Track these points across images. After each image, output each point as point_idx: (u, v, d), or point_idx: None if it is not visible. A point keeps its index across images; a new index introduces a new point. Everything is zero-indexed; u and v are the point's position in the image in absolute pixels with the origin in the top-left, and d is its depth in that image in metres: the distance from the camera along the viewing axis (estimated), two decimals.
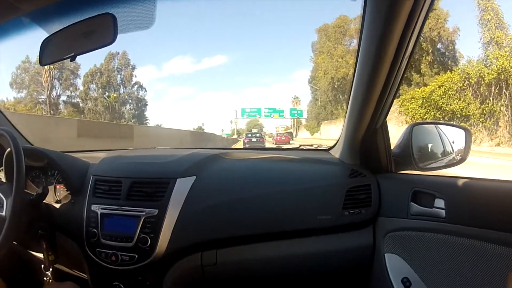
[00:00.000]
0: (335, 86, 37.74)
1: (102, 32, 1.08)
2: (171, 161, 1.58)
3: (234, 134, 42.47)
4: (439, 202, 1.30)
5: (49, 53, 1.25)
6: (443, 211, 1.27)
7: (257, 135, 24.49)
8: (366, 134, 1.48)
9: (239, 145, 22.65)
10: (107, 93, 40.40)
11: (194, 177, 1.47)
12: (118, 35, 1.12)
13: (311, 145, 2.42)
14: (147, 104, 43.77)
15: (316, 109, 41.14)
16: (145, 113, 43.69)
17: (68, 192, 1.58)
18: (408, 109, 20.23)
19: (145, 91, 43.63)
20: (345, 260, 1.55)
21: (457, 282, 1.20)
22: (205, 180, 1.49)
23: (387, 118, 1.47)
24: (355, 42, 34.66)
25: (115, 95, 40.71)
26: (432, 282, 1.28)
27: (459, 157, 1.56)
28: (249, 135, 24.48)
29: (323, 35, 39.72)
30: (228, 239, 1.45)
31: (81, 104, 40.27)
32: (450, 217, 1.26)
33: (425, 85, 23.67)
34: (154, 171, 1.52)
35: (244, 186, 1.52)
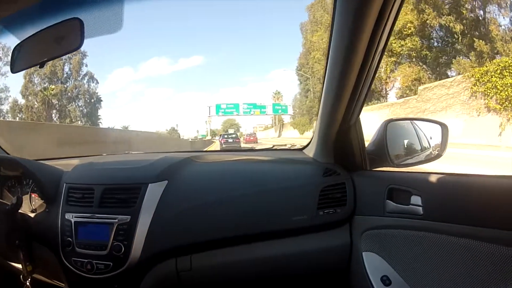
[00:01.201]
0: None
1: (70, 37, 1.14)
2: (142, 166, 1.62)
3: (208, 135, 40.15)
4: (416, 199, 1.35)
5: (20, 60, 1.30)
6: (420, 208, 1.32)
7: (233, 135, 24.92)
8: (340, 132, 1.54)
9: (215, 147, 23.33)
10: (46, 86, 35.01)
11: (166, 181, 1.52)
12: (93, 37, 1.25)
13: (285, 145, 2.50)
14: (100, 100, 39.38)
15: (308, 102, 38.21)
16: (98, 111, 39.39)
17: (43, 201, 1.61)
18: (497, 87, 14.78)
19: (97, 83, 38.76)
20: (323, 260, 1.61)
21: (436, 279, 1.24)
22: (177, 185, 1.53)
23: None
24: None
25: (53, 87, 35.32)
26: (412, 280, 1.33)
27: (436, 152, 1.65)
28: (225, 136, 24.91)
29: (319, 9, 36.59)
30: (202, 243, 1.51)
31: (20, 101, 34.60)
32: (427, 214, 1.30)
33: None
34: (126, 177, 1.57)
35: (216, 189, 1.57)
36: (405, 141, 1.81)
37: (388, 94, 30.67)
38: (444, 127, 1.67)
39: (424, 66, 27.01)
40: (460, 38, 24.66)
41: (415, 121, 1.87)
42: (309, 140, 1.93)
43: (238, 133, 37.80)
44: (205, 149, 14.60)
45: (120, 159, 2.08)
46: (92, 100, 38.75)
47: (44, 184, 1.60)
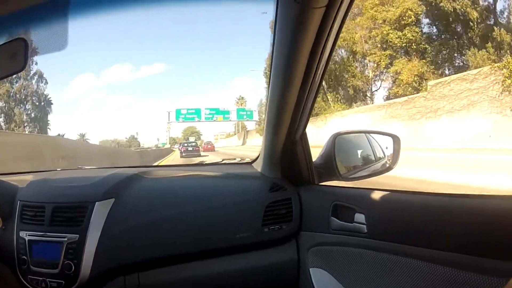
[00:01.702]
0: None
1: (15, 58, 1.13)
2: (90, 184, 1.62)
3: (167, 143, 39.58)
4: (360, 217, 1.37)
5: None
6: (364, 226, 1.34)
7: (193, 144, 26.02)
8: (286, 146, 1.56)
9: (175, 155, 23.76)
10: None
11: (113, 199, 1.54)
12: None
13: (234, 159, 2.54)
14: (51, 103, 34.41)
15: None
16: (48, 116, 34.76)
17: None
18: None
19: (46, 82, 33.43)
20: (272, 276, 1.63)
21: None
22: (124, 202, 1.55)
23: None
24: None
25: None
26: None
27: (387, 165, 1.70)
28: (185, 144, 25.87)
29: None
30: (150, 261, 1.53)
31: None
32: (371, 232, 1.32)
33: None
34: (73, 195, 1.57)
35: (164, 206, 1.59)
36: (356, 154, 1.86)
37: (374, 95, 29.66)
38: (395, 139, 1.72)
39: (424, 60, 24.86)
40: (476, 26, 22.22)
41: (366, 134, 1.92)
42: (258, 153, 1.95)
43: (199, 142, 37.29)
44: (157, 163, 14.52)
45: (72, 175, 2.06)
46: (42, 103, 34.34)
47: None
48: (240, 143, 42.10)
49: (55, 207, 1.52)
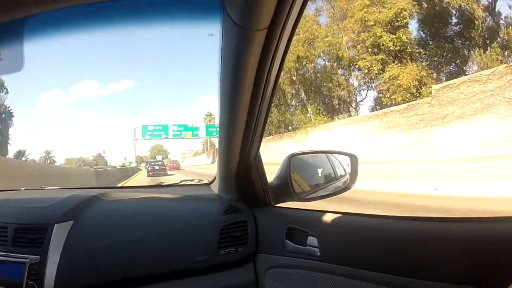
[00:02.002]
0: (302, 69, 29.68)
1: None
2: (49, 206, 1.63)
3: (128, 162, 38.96)
4: (313, 240, 1.38)
5: None
6: (317, 250, 1.36)
7: (159, 163, 25.82)
8: (240, 168, 1.56)
9: (140, 175, 23.64)
10: None
11: (72, 221, 1.53)
12: None
13: (192, 180, 2.53)
14: (12, 115, 32.42)
15: None
16: (9, 130, 32.93)
17: None
18: None
19: (7, 92, 30.89)
20: None
21: None
22: (82, 224, 1.54)
23: None
24: None
25: None
26: None
27: (345, 185, 1.72)
28: (152, 163, 25.76)
29: None
30: (111, 283, 1.52)
31: None
32: (323, 255, 1.34)
33: None
34: (34, 216, 1.59)
35: (123, 228, 1.58)
36: (314, 174, 1.88)
37: (359, 106, 28.89)
38: (352, 157, 1.74)
39: (422, 64, 23.53)
40: (480, 25, 21.06)
41: (326, 154, 1.94)
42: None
43: (166, 160, 36.80)
44: (119, 185, 14.28)
45: (35, 195, 2.06)
46: (2, 115, 31.99)
47: None
48: (209, 161, 41.12)
49: (17, 228, 1.53)
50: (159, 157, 40.07)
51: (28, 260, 1.45)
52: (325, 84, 29.02)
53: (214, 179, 1.95)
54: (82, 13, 1.22)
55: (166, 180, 14.60)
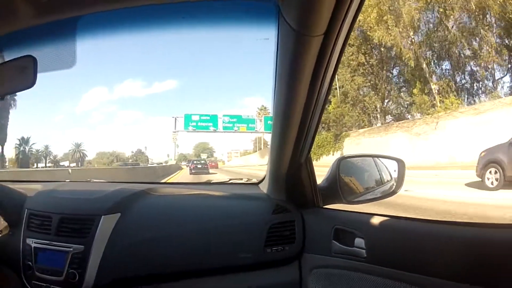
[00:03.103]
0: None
1: (22, 74, 1.19)
2: (97, 198, 1.68)
3: (170, 160, 35.13)
4: (360, 242, 1.39)
5: None
6: (364, 251, 1.36)
7: (202, 162, 25.26)
8: (290, 169, 1.57)
9: (182, 173, 23.70)
10: None
11: (119, 214, 1.59)
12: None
13: (241, 179, 2.55)
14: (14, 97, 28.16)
15: (334, 106, 27.72)
16: (6, 126, 31.00)
17: (7, 224, 1.68)
18: None
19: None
20: None
21: None
22: (129, 217, 1.59)
23: None
24: None
25: None
26: None
27: (392, 189, 1.72)
28: (195, 161, 25.25)
29: None
30: (153, 276, 1.57)
31: None
32: (370, 257, 1.34)
33: None
34: (81, 208, 1.65)
35: (169, 224, 1.63)
36: (361, 177, 1.88)
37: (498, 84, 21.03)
38: (400, 163, 1.73)
39: None
40: None
41: (373, 158, 1.94)
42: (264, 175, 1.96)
43: (212, 158, 35.74)
44: (163, 181, 14.42)
45: (80, 188, 2.12)
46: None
47: (7, 208, 1.69)
48: (263, 162, 32.84)
49: (62, 218, 1.60)
50: (203, 156, 38.37)
51: (71, 249, 1.52)
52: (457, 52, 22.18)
53: (263, 178, 1.97)
54: (133, 15, 1.28)
55: (208, 178, 14.47)
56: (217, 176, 16.65)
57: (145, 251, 1.57)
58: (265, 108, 36.33)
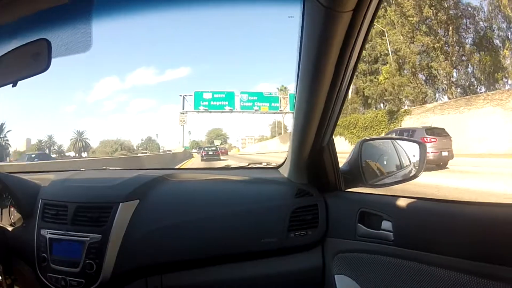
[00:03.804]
0: None
1: (38, 58, 1.17)
2: (114, 185, 1.65)
3: (181, 147, 29.63)
4: (387, 224, 1.37)
5: None
6: (391, 234, 1.34)
7: (213, 148, 23.90)
8: (312, 152, 1.56)
9: (193, 160, 23.44)
10: None
11: (138, 201, 1.56)
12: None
13: (260, 163, 2.54)
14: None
15: (386, 76, 24.73)
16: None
17: (21, 215, 1.66)
18: None
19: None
20: (296, 282, 1.63)
21: None
22: (149, 204, 1.57)
23: None
24: None
25: None
26: None
27: (413, 173, 1.68)
28: (206, 148, 24.23)
29: None
30: (173, 263, 1.56)
31: None
32: (398, 240, 1.32)
33: None
34: (97, 196, 1.61)
35: (188, 209, 1.60)
36: (382, 161, 1.85)
37: None
38: (421, 146, 1.71)
39: None
40: None
41: (393, 140, 1.91)
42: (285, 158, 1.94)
43: (226, 145, 34.80)
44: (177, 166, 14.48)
45: (95, 175, 2.10)
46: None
47: (21, 200, 1.65)
48: (285, 148, 24.24)
49: (78, 207, 1.56)
50: (217, 142, 36.08)
51: (88, 238, 1.49)
52: None
53: (283, 162, 1.95)
54: None
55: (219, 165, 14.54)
56: (228, 162, 16.61)
57: (165, 238, 1.55)
58: (285, 88, 32.41)
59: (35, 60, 1.20)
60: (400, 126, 20.90)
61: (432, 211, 1.30)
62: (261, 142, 43.85)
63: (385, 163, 1.91)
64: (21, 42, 1.22)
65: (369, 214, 1.47)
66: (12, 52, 1.23)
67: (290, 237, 1.59)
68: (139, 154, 28.92)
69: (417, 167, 1.70)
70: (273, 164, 2.25)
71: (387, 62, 25.29)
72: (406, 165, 1.82)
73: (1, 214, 1.68)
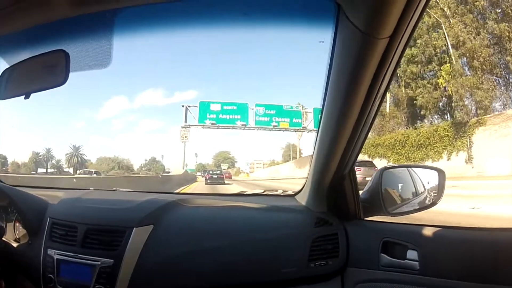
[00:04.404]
0: None
1: (55, 70, 1.13)
2: (128, 208, 1.62)
3: (180, 169, 25.00)
4: (412, 254, 1.35)
5: (7, 88, 1.26)
6: (417, 263, 1.32)
7: (217, 172, 22.20)
8: (334, 180, 1.53)
9: (195, 185, 22.51)
10: None
11: (152, 226, 1.52)
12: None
13: (276, 190, 2.49)
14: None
15: (447, 77, 19.75)
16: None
17: (26, 231, 1.62)
18: None
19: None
20: None
21: None
22: (163, 230, 1.53)
23: None
24: None
25: None
26: None
27: (431, 200, 1.67)
28: (210, 172, 22.69)
29: None
30: None
31: None
32: (424, 269, 1.30)
33: None
34: (110, 219, 1.57)
35: (204, 236, 1.56)
36: (400, 189, 1.81)
37: None
38: (440, 173, 1.68)
39: None
40: None
41: (411, 168, 1.88)
42: (302, 186, 1.90)
43: (234, 169, 33.70)
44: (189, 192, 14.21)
45: (106, 197, 2.06)
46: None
47: (28, 216, 1.62)
48: (301, 174, 22.14)
49: (89, 229, 1.52)
50: (224, 166, 34.80)
51: (99, 262, 1.43)
52: None
53: (301, 190, 1.91)
54: (171, 10, 1.21)
55: (223, 190, 14.51)
56: (232, 187, 16.27)
57: (179, 265, 1.49)
58: (302, 105, 25.94)
59: (51, 72, 1.16)
60: (470, 140, 17.73)
61: (460, 239, 1.30)
62: (272, 166, 41.49)
63: (401, 190, 1.86)
64: (35, 52, 1.19)
65: (393, 243, 1.44)
66: (26, 62, 1.20)
67: (310, 266, 1.54)
68: (110, 174, 27.35)
69: (432, 194, 1.69)
70: (289, 192, 2.21)
71: (445, 61, 20.39)
72: (421, 192, 1.80)
73: (6, 228, 1.62)
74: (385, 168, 1.66)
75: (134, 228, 1.49)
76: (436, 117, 22.78)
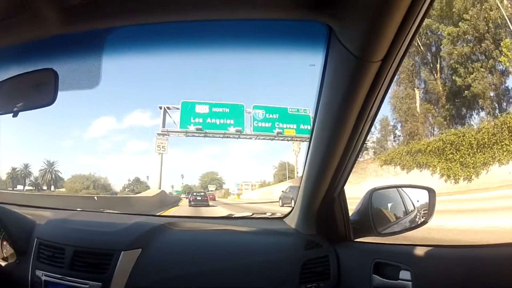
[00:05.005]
0: None
1: (44, 89, 1.12)
2: (116, 231, 1.61)
3: (155, 189, 21.06)
4: (405, 274, 1.34)
5: None
6: (410, 283, 1.31)
7: (201, 194, 19.98)
8: (323, 202, 1.54)
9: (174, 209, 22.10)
10: None
11: (140, 250, 1.51)
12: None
13: (265, 213, 2.51)
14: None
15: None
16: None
17: (13, 251, 1.60)
18: None
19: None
20: None
21: None
22: (151, 254, 1.52)
23: None
24: None
25: None
26: None
27: (422, 219, 1.66)
28: (194, 193, 19.55)
29: None
30: None
31: None
32: None
33: None
34: (98, 242, 1.56)
35: (194, 260, 1.55)
36: (390, 209, 1.81)
37: None
38: (431, 192, 1.69)
39: None
40: None
41: (401, 188, 1.88)
42: (290, 209, 1.91)
43: (223, 191, 33.42)
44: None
45: (93, 218, 2.04)
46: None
47: (15, 235, 1.60)
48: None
49: (76, 251, 1.50)
50: (211, 187, 34.78)
51: (87, 286, 1.42)
52: None
53: (289, 212, 1.91)
54: (168, 31, 1.20)
55: (208, 212, 13.99)
56: (217, 209, 15.82)
57: None
58: (309, 109, 22.22)
59: (39, 91, 1.15)
60: None
61: (453, 257, 1.30)
62: (264, 188, 37.86)
63: (391, 210, 1.86)
64: (23, 69, 1.17)
65: (385, 264, 1.43)
66: (14, 79, 1.18)
67: None
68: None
69: (422, 212, 1.68)
70: (278, 214, 2.22)
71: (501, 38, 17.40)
72: (411, 211, 1.80)
73: None
74: (374, 190, 1.67)
75: (122, 252, 1.47)
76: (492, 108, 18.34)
